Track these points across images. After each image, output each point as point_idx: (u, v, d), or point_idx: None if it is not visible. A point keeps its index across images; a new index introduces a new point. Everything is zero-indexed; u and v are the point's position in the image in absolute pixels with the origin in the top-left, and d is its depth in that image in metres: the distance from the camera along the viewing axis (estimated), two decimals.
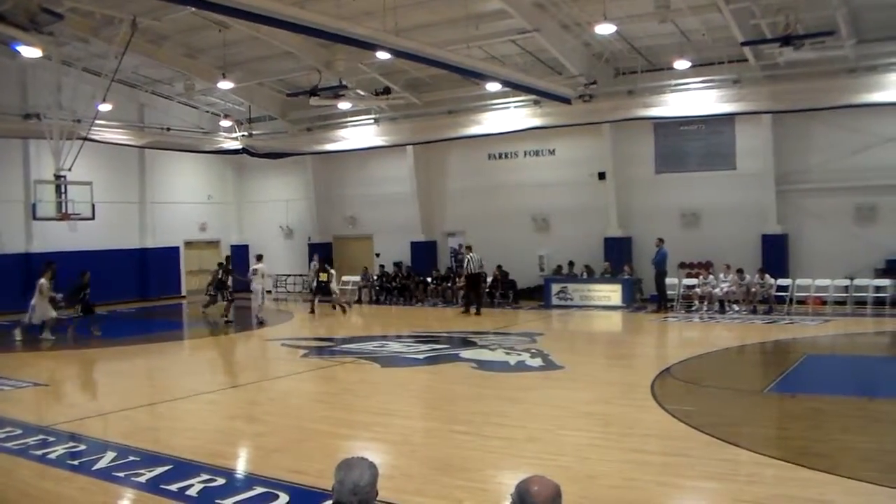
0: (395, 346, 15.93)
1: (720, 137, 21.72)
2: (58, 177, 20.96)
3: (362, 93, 23.54)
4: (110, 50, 19.50)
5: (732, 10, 16.76)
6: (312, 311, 22.20)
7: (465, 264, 21.62)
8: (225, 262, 22.68)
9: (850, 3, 16.84)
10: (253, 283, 20.77)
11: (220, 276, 21.62)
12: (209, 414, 10.46)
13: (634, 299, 21.78)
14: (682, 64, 19.35)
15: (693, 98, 20.58)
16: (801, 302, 19.64)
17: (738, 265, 19.89)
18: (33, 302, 17.10)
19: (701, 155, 22.02)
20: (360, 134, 26.38)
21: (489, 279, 23.37)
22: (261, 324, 19.93)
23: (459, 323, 19.35)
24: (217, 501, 6.46)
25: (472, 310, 20.87)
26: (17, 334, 17.08)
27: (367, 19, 16.57)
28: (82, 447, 8.45)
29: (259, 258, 21.76)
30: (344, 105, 23.88)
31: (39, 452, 8.00)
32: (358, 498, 3.11)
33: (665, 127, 22.25)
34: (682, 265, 21.74)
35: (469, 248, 21.85)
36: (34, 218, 22.10)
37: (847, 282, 19.44)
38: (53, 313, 17.23)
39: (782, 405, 10.17)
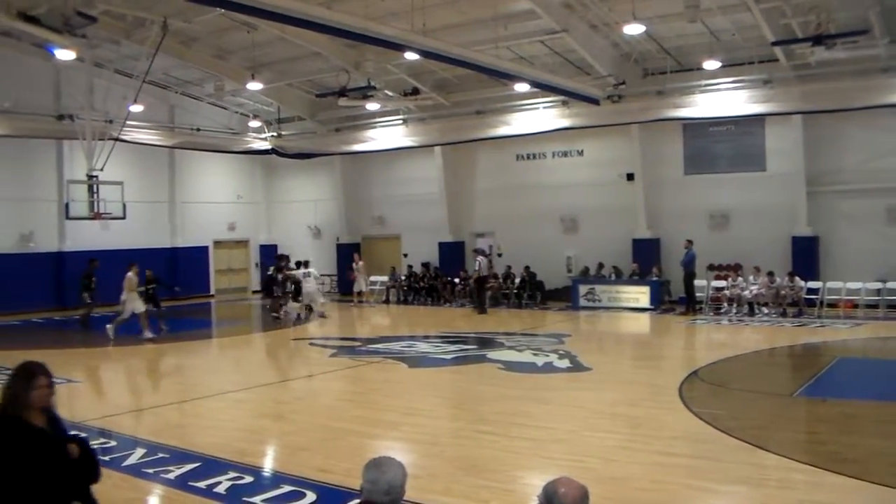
0: (422, 347, 15.97)
1: (750, 138, 21.47)
2: (90, 177, 21.30)
3: (390, 93, 23.58)
4: (142, 51, 19.79)
5: (763, 10, 16.51)
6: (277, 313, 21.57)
7: (476, 267, 22.31)
8: (277, 261, 22.99)
9: (884, 2, 16.52)
10: (305, 285, 21.41)
11: (269, 274, 21.88)
12: (237, 412, 10.56)
13: (663, 301, 21.59)
14: (711, 64, 19.11)
15: (723, 99, 20.30)
16: (832, 305, 19.36)
17: (768, 267, 19.65)
18: (123, 297, 17.39)
19: (730, 156, 21.79)
20: (388, 134, 26.42)
21: (517, 280, 23.63)
22: (322, 316, 21.43)
23: (487, 324, 19.35)
24: (245, 499, 6.54)
25: (487, 309, 21.66)
26: (111, 332, 17.16)
27: (394, 20, 16.60)
28: (113, 443, 8.56)
29: (306, 263, 22.37)
30: (372, 106, 23.95)
31: None
32: (390, 498, 3.13)
33: (694, 128, 22.05)
34: (711, 267, 21.50)
35: (476, 252, 22.97)
36: (67, 217, 22.48)
37: (879, 284, 19.10)
38: (143, 307, 17.42)
39: (812, 409, 10.05)
